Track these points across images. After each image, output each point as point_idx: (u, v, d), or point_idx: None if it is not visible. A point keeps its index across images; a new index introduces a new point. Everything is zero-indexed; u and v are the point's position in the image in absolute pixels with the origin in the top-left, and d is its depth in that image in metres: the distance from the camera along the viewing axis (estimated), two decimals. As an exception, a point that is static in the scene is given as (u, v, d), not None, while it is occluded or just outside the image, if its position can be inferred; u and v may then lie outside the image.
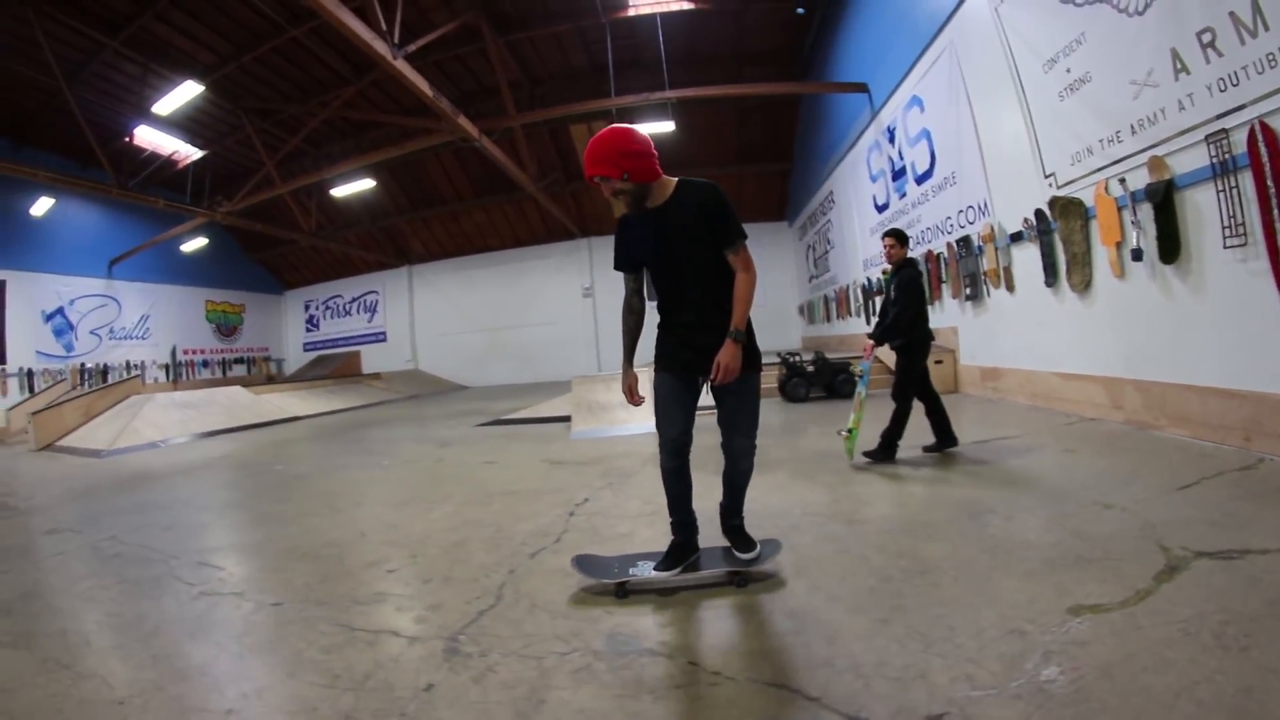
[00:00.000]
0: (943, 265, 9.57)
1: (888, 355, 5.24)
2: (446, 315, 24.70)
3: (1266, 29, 4.13)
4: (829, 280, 17.19)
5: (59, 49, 12.45)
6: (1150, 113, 5.22)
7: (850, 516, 3.85)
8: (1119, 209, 5.69)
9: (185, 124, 15.99)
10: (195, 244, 20.75)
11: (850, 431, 5.24)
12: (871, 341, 5.27)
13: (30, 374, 16.67)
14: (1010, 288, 7.84)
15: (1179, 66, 4.86)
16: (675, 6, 13.08)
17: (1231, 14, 4.33)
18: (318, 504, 5.52)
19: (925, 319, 5.28)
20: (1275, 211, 4.18)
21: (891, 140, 11.13)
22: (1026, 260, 7.40)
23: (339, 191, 17.82)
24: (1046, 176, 6.77)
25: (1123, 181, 5.60)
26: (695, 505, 3.01)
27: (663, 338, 2.99)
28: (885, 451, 5.18)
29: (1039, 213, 6.93)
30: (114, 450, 10.35)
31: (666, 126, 14.21)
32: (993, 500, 3.84)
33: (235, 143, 17.71)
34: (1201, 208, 4.85)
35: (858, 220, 13.92)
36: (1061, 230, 6.56)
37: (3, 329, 16.24)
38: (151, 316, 20.70)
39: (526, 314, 23.52)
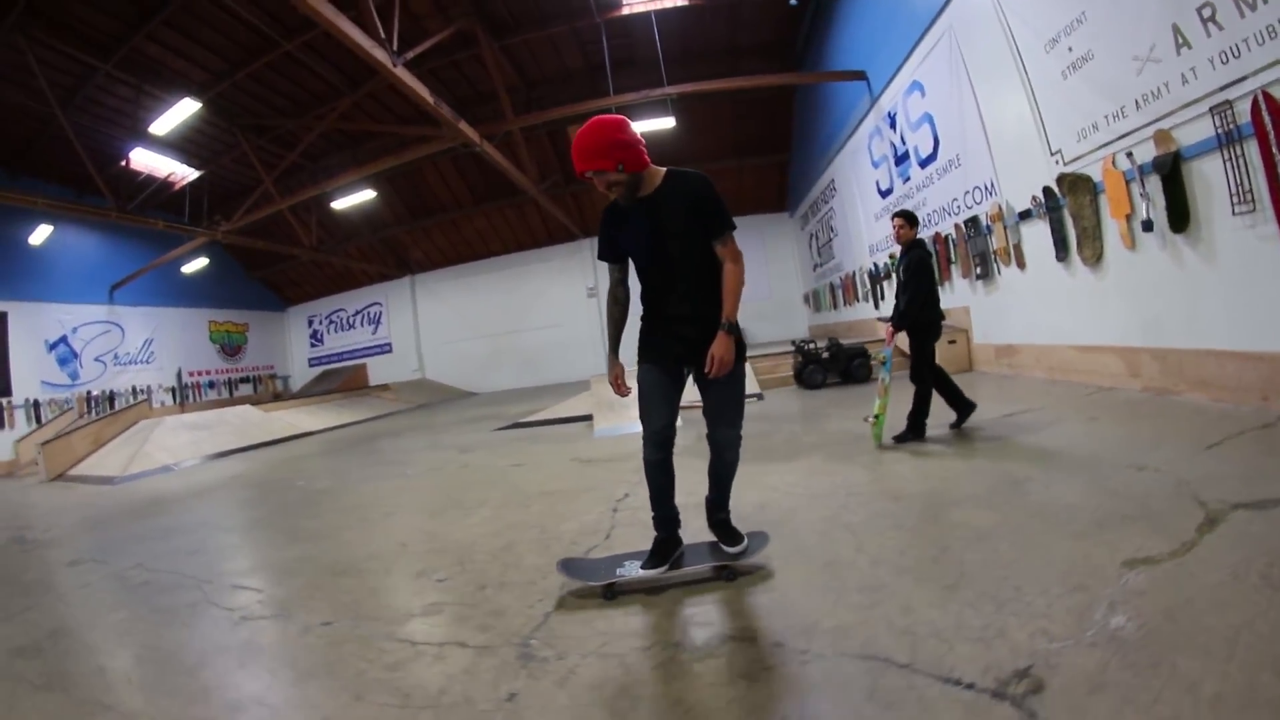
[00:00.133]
0: (951, 247, 9.77)
1: (905, 341, 5.41)
2: (451, 323, 24.88)
3: (1265, 1, 4.32)
4: (834, 268, 17.39)
5: (52, 75, 12.52)
6: (1154, 87, 5.42)
7: (895, 493, 3.99)
8: (1127, 182, 5.88)
9: (181, 144, 16.04)
10: (196, 265, 20.87)
11: (877, 418, 5.37)
12: (891, 328, 5.40)
13: (37, 405, 16.69)
14: (1021, 265, 8.04)
15: (1180, 41, 5.05)
16: (669, 4, 13.22)
17: (1231, -12, 4.52)
18: (348, 518, 5.47)
19: (936, 300, 5.40)
20: (1282, 177, 4.39)
21: (893, 126, 11.33)
22: (1036, 237, 7.59)
23: (340, 204, 17.93)
24: (1053, 154, 6.97)
25: (1130, 155, 5.78)
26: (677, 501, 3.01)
27: (648, 329, 2.98)
28: (914, 432, 5.33)
29: (1047, 190, 7.13)
30: (127, 476, 10.40)
31: (667, 123, 14.39)
32: (1029, 470, 4.01)
33: (231, 161, 17.80)
34: (1209, 177, 5.05)
35: (861, 207, 14.11)
36: (1070, 206, 6.76)
37: (6, 361, 16.24)
38: (155, 340, 20.82)
39: (530, 317, 23.68)
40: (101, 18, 11.82)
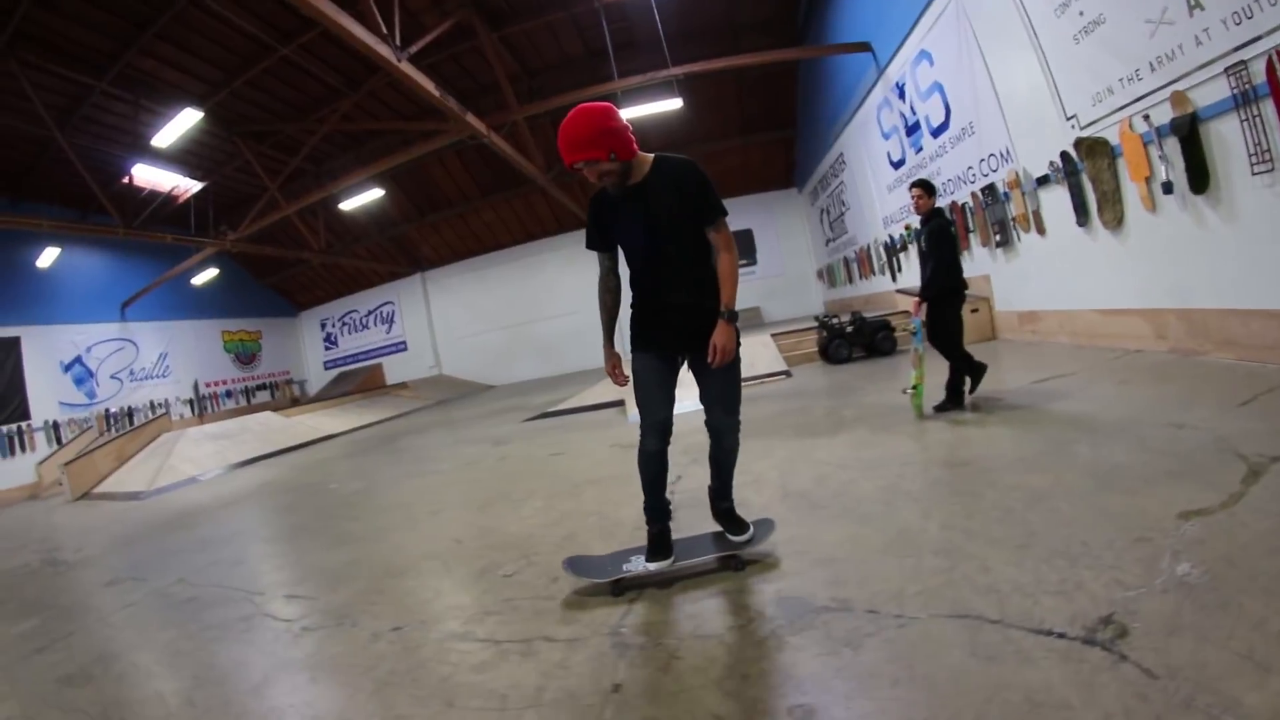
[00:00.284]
0: (968, 215, 9.91)
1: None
2: (465, 317, 25.19)
3: (1276, -37, 4.47)
4: (848, 242, 17.51)
5: (46, 97, 12.63)
6: (1168, 49, 5.54)
7: (947, 461, 4.19)
8: (1145, 145, 6.01)
9: (182, 157, 16.19)
10: (206, 276, 21.21)
11: (915, 389, 5.52)
12: (918, 299, 5.55)
13: (56, 426, 17.02)
14: (1041, 231, 8.19)
15: (1193, 3, 5.16)
16: (667, -18, 13.34)
17: (1241, -50, 4.66)
18: (393, 517, 5.48)
19: (959, 268, 5.52)
20: (1300, 136, 4.55)
21: (902, 96, 11.42)
22: (1055, 202, 7.74)
23: (348, 205, 18.11)
24: (1068, 119, 7.09)
25: (1146, 118, 5.91)
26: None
27: (641, 318, 2.97)
28: (953, 400, 5.49)
29: (1064, 155, 7.26)
30: (154, 490, 10.55)
31: (675, 104, 14.47)
32: (1072, 433, 4.20)
33: (234, 170, 18.01)
34: (1226, 138, 5.19)
35: (873, 179, 14.22)
36: (1089, 170, 6.90)
37: (22, 385, 16.60)
38: (170, 354, 21.20)
39: (545, 307, 23.82)
40: (93, 36, 11.94)
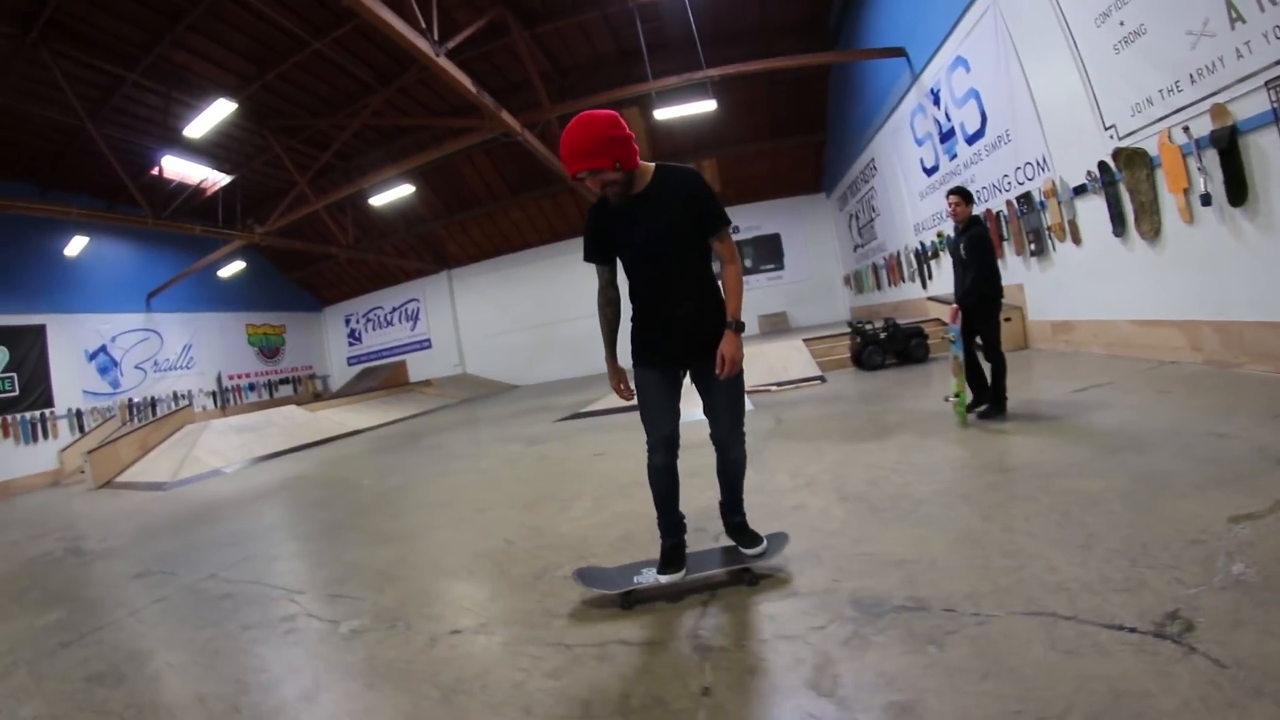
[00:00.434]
0: (1003, 223, 10.05)
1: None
2: (491, 316, 25.52)
3: (1318, -21, 4.63)
4: (877, 248, 17.66)
5: (78, 87, 12.92)
6: (1209, 61, 5.68)
7: (998, 466, 4.33)
8: (1184, 156, 6.16)
9: (211, 150, 16.59)
10: (232, 269, 21.69)
11: (958, 396, 5.65)
12: (956, 306, 5.69)
13: (79, 414, 17.48)
14: (1077, 240, 8.32)
15: (1234, 16, 5.32)
16: (702, -17, 13.58)
17: (1283, -34, 4.81)
18: (435, 515, 5.47)
19: (998, 276, 5.64)
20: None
21: (936, 102, 11.59)
22: (1092, 212, 7.87)
23: (378, 200, 18.41)
24: (1107, 129, 7.24)
25: (1186, 129, 6.06)
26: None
27: (643, 332, 2.96)
28: (995, 407, 5.62)
29: (1102, 165, 7.40)
30: (178, 481, 10.67)
31: (709, 105, 14.68)
32: (1117, 440, 4.34)
33: (263, 164, 18.45)
34: (1266, 150, 5.34)
35: (905, 185, 14.37)
36: (1127, 180, 7.03)
37: (47, 372, 17.08)
38: (194, 345, 21.74)
39: (572, 307, 23.78)
40: (125, 26, 12.24)
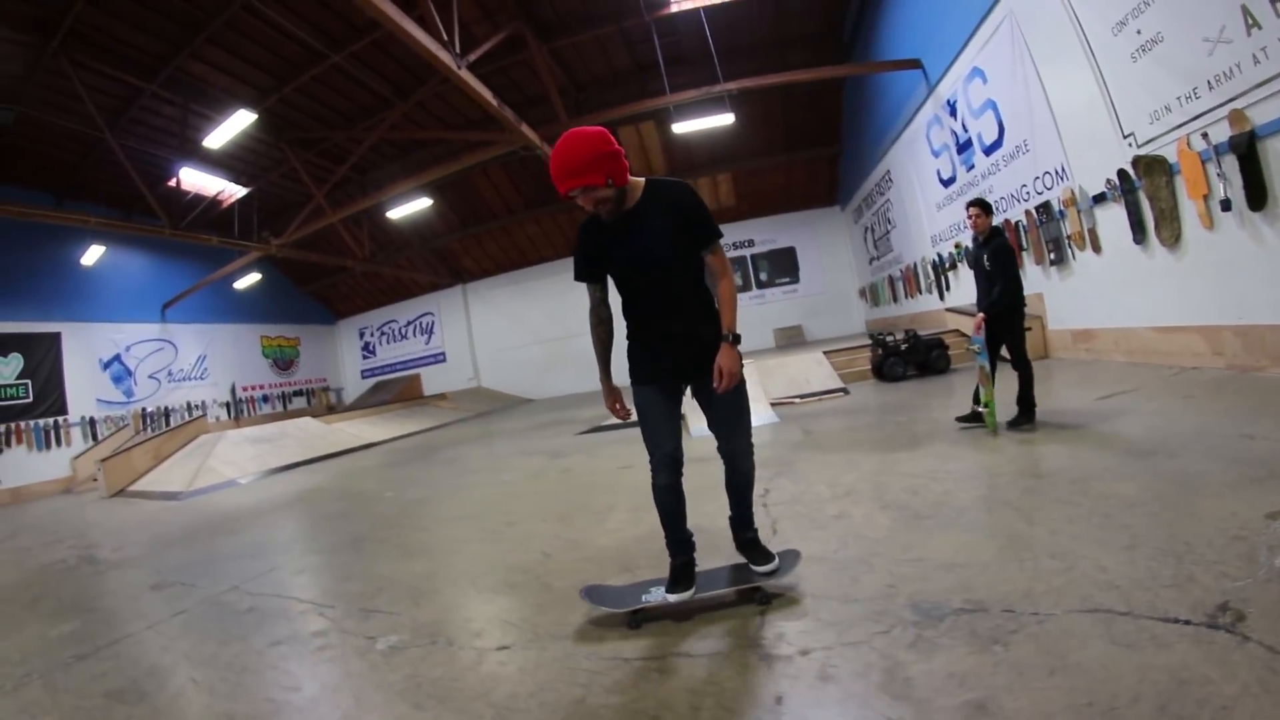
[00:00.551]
0: (1022, 233, 10.16)
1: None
2: (506, 330, 25.76)
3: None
4: (893, 260, 17.77)
5: (97, 98, 13.16)
6: (1226, 68, 5.82)
7: (1034, 472, 4.39)
8: (1203, 163, 6.27)
9: (228, 162, 16.91)
10: (248, 280, 22.02)
11: (988, 405, 5.73)
12: (982, 315, 5.77)
13: (93, 422, 17.75)
14: (1097, 249, 8.43)
15: (1250, 22, 5.46)
16: (717, -1, 13.83)
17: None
18: (465, 528, 5.40)
19: (1020, 284, 5.77)
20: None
21: (953, 113, 11.75)
22: (1112, 220, 7.98)
23: (395, 213, 18.66)
24: (1125, 136, 7.36)
25: (1205, 136, 6.18)
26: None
27: (640, 350, 2.97)
28: (1025, 414, 5.68)
29: (1121, 173, 7.52)
30: (193, 491, 10.67)
31: (727, 119, 14.92)
32: (1148, 443, 4.41)
33: (280, 176, 18.74)
34: (1285, 155, 5.46)
35: (921, 197, 14.51)
36: (1146, 188, 7.15)
37: (62, 380, 17.36)
38: (208, 356, 22.08)
39: (585, 322, 23.64)
40: (145, 38, 12.49)
